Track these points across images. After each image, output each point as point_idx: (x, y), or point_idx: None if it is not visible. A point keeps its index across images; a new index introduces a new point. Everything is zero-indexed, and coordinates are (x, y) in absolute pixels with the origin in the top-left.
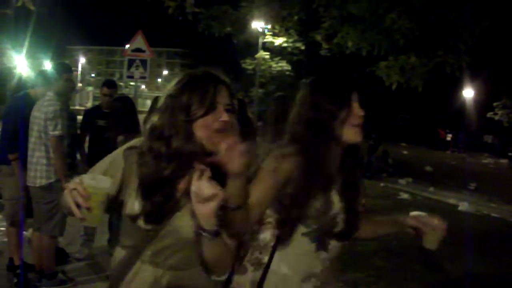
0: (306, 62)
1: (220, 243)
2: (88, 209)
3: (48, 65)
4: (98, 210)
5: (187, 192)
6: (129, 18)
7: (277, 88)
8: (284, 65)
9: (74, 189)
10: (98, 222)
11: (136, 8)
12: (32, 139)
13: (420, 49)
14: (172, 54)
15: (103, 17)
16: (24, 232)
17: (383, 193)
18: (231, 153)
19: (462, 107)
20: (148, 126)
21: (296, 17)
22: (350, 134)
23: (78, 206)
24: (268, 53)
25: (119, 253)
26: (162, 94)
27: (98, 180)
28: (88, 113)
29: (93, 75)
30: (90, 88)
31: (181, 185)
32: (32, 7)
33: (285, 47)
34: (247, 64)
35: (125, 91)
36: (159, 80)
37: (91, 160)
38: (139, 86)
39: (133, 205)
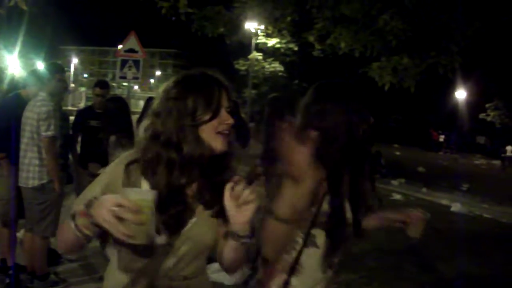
0: (299, 63)
1: (246, 246)
2: (141, 224)
3: (40, 65)
4: (150, 223)
5: (198, 197)
6: (122, 18)
7: (270, 89)
8: (277, 66)
9: (118, 206)
10: (150, 238)
11: (129, 8)
12: (24, 140)
13: (412, 50)
14: (165, 54)
15: (96, 18)
16: (16, 233)
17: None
18: None
19: (455, 108)
20: (146, 131)
21: (289, 18)
22: None
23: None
24: (261, 54)
25: (119, 278)
26: (157, 96)
27: (140, 192)
28: (80, 113)
29: (85, 75)
30: (82, 89)
31: (191, 191)
32: (24, 7)
33: (278, 48)
34: (240, 65)
35: (118, 91)
36: (152, 80)
37: (83, 161)
38: (132, 87)
39: None
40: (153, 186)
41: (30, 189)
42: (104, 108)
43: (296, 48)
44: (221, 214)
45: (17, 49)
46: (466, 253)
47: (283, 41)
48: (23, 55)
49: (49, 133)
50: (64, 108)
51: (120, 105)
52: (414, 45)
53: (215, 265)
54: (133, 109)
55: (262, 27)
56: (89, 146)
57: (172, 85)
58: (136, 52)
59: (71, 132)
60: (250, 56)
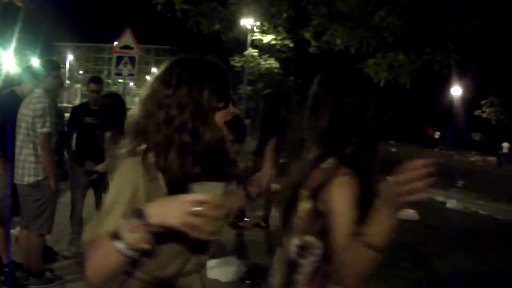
0: (294, 59)
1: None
2: (221, 218)
3: (36, 62)
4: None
5: None
6: (118, 15)
7: (266, 85)
8: (272, 63)
9: (199, 203)
10: (219, 232)
11: (125, 5)
12: (19, 137)
13: (408, 46)
14: (160, 51)
15: (91, 14)
16: (11, 231)
17: None
18: None
19: (450, 105)
20: (153, 115)
21: (285, 15)
22: None
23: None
24: (256, 50)
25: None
26: (159, 80)
27: (211, 186)
28: (75, 110)
29: (81, 72)
30: (78, 85)
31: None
32: (20, 4)
33: (273, 45)
34: (236, 62)
35: (113, 88)
36: (148, 77)
37: (78, 158)
38: (128, 83)
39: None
40: (166, 176)
41: (25, 186)
42: (101, 104)
43: (291, 45)
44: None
45: (13, 45)
46: (461, 249)
47: (279, 37)
48: (18, 52)
49: (45, 129)
50: (59, 105)
51: (117, 102)
52: (410, 42)
53: (212, 262)
54: (128, 105)
55: (258, 23)
56: (84, 143)
57: (182, 70)
58: (131, 48)
59: (66, 129)
60: (246, 53)
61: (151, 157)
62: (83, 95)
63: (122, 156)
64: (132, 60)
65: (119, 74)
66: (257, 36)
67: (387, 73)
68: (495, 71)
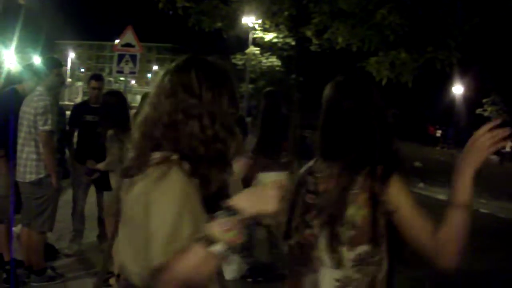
0: (296, 57)
1: None
2: None
3: (37, 60)
4: None
5: None
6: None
7: (267, 83)
8: (274, 61)
9: (283, 188)
10: None
11: (126, 2)
12: (21, 135)
13: (410, 45)
14: (162, 49)
15: (93, 12)
16: (13, 228)
17: None
18: None
19: (452, 103)
20: (178, 125)
21: (286, 13)
22: None
23: None
24: (258, 48)
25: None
26: (173, 89)
27: (276, 174)
28: (76, 108)
29: (82, 70)
30: (79, 83)
31: None
32: (21, 1)
33: (275, 43)
34: (237, 60)
35: (115, 86)
36: (149, 75)
37: (79, 156)
38: (129, 81)
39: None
40: (203, 183)
41: (27, 184)
42: (103, 102)
43: (293, 43)
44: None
45: (14, 43)
46: (463, 248)
47: (281, 35)
48: (20, 50)
49: (47, 127)
50: (60, 103)
51: (118, 99)
52: (411, 40)
53: None
54: (130, 103)
55: (260, 21)
56: (85, 141)
57: (204, 76)
58: (133, 46)
59: (67, 127)
60: (247, 51)
61: (185, 165)
62: (84, 93)
63: (154, 164)
64: (133, 58)
65: (120, 72)
66: (259, 34)
67: (389, 71)
68: (496, 70)
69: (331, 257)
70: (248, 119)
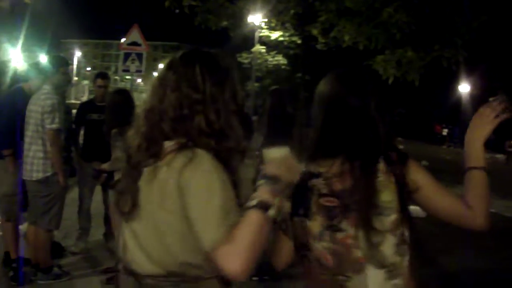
0: (302, 56)
1: None
2: None
3: (43, 59)
4: None
5: None
6: (125, 11)
7: (273, 82)
8: (280, 59)
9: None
10: None
11: (132, 1)
12: (28, 133)
13: (417, 43)
14: (168, 48)
15: (99, 11)
16: (20, 226)
17: None
18: None
19: (458, 102)
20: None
21: (292, 11)
22: None
23: None
24: (264, 47)
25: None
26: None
27: (279, 149)
28: (81, 107)
29: (88, 68)
30: (85, 82)
31: None
32: (28, 0)
33: (281, 41)
34: (243, 58)
35: (121, 84)
36: (155, 73)
37: (85, 154)
38: (135, 80)
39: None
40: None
41: (34, 182)
42: (109, 100)
43: (299, 41)
44: None
45: (20, 42)
46: (469, 247)
47: (287, 34)
48: (26, 48)
49: (54, 126)
50: (67, 101)
51: (125, 98)
52: (418, 38)
53: None
54: (136, 102)
55: (266, 20)
56: (91, 139)
57: (207, 71)
58: (139, 45)
59: (73, 126)
60: (254, 49)
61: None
62: (90, 92)
63: (171, 151)
64: (139, 56)
65: (126, 71)
66: (265, 32)
67: (395, 70)
68: (504, 68)
69: (374, 251)
70: (255, 118)
